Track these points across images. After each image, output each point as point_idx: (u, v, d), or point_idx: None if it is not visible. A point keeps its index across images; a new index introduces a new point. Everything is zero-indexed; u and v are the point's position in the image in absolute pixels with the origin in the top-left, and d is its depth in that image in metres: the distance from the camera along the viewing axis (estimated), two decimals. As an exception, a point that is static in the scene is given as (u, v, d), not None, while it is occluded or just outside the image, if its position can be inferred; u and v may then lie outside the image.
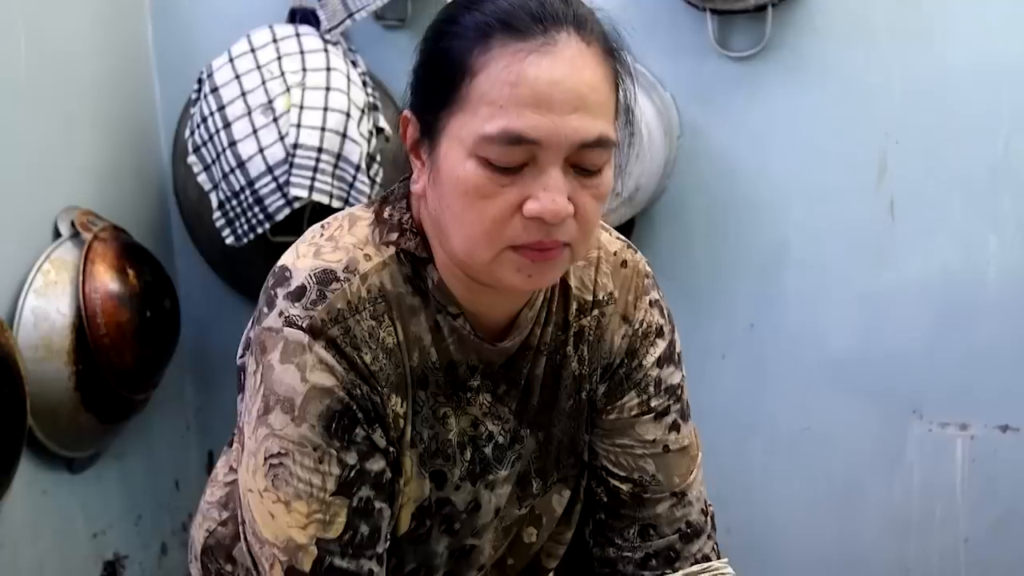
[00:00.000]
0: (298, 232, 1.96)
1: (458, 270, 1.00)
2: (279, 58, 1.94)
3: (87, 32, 2.09)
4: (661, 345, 1.16)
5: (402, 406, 1.01)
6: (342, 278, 0.98)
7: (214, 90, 1.94)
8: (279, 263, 1.03)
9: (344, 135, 1.90)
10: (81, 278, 1.89)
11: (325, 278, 0.98)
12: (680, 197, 2.10)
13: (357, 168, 1.91)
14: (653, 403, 1.16)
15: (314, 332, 0.96)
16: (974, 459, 2.08)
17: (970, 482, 2.09)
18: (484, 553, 1.13)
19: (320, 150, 1.87)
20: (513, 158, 0.90)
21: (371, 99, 2.01)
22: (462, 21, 0.93)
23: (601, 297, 1.13)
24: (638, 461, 1.16)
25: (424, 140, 0.97)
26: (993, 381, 2.04)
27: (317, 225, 1.07)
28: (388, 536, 1.03)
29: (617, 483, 1.16)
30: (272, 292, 1.00)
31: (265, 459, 0.97)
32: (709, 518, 1.21)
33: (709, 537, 1.20)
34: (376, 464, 0.99)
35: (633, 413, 1.15)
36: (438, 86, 0.94)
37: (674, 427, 1.17)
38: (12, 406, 1.72)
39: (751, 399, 2.17)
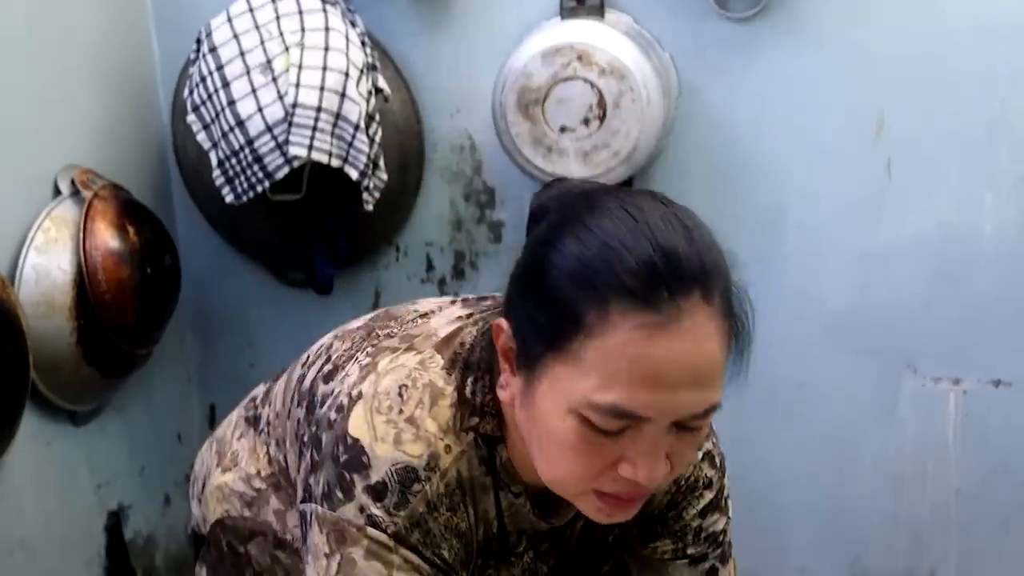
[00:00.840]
0: (296, 189, 2.00)
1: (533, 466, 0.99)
2: (277, 18, 1.92)
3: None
4: (708, 496, 1.18)
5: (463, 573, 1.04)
6: (423, 478, 0.97)
7: (212, 50, 1.93)
8: (351, 432, 0.99)
9: (343, 95, 1.89)
10: (82, 235, 1.90)
11: (407, 478, 0.96)
12: (678, 157, 2.10)
13: (356, 127, 1.91)
14: (689, 551, 1.18)
15: (399, 539, 0.96)
16: (967, 413, 2.10)
17: (962, 436, 2.11)
18: None
19: (319, 109, 1.87)
20: (617, 425, 0.89)
21: (370, 59, 2.00)
22: (572, 256, 0.88)
23: (683, 483, 1.16)
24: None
25: (522, 362, 0.93)
26: (987, 336, 2.05)
27: (394, 384, 1.01)
28: None
29: None
30: (348, 476, 0.97)
31: None
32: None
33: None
34: None
35: (667, 556, 1.18)
36: (547, 326, 0.90)
37: (711, 572, 1.21)
38: (15, 360, 1.73)
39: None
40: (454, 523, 0.99)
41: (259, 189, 1.94)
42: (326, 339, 1.20)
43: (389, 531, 0.95)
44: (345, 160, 1.92)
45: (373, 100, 1.98)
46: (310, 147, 1.88)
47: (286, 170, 1.90)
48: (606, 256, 0.86)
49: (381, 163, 2.02)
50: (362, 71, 1.95)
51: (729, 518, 1.22)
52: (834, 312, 2.12)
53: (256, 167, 1.91)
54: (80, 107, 2.06)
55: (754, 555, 2.20)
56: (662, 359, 0.85)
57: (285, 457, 1.17)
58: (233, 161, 1.93)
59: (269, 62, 1.89)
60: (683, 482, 1.16)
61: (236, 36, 1.92)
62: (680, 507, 1.17)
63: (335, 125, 1.89)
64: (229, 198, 1.98)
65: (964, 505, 2.14)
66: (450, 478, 0.98)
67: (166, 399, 2.39)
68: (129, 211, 2.00)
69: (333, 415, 1.01)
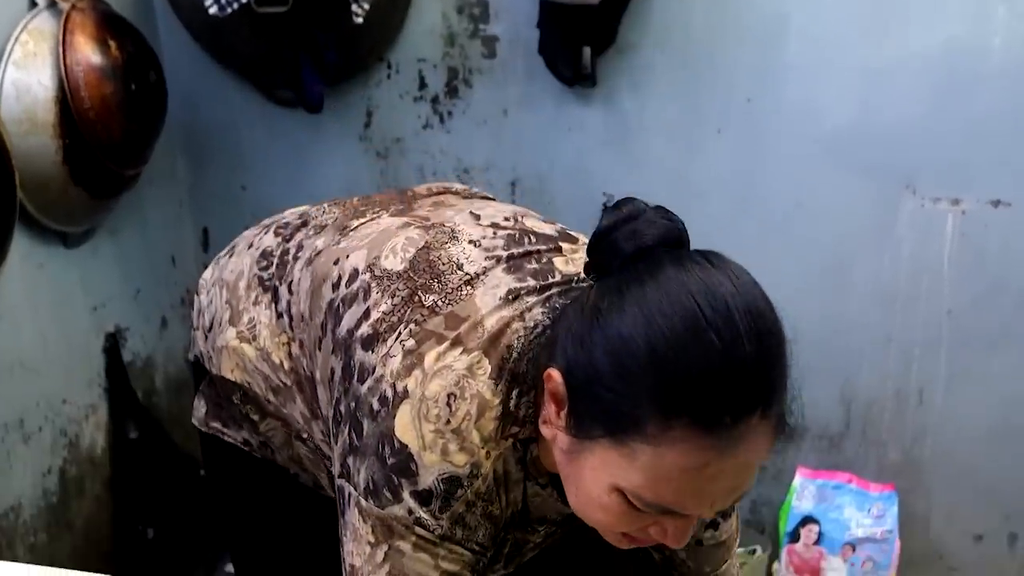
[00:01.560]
0: (283, 0, 1.93)
1: None
2: None
3: None
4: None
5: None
6: (466, 484, 1.01)
7: None
8: (399, 436, 1.01)
9: None
10: (61, 49, 1.84)
11: (452, 486, 1.00)
12: (678, -37, 2.02)
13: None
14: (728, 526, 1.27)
15: (444, 539, 1.01)
16: (964, 233, 2.09)
17: (958, 256, 2.11)
18: None
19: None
20: (656, 512, 0.94)
21: None
22: (644, 355, 0.88)
23: None
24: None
25: (571, 426, 0.95)
26: (989, 155, 2.02)
27: (443, 391, 1.01)
28: None
29: (650, 549, 1.26)
30: (396, 480, 1.00)
31: None
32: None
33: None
34: None
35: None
36: (605, 414, 0.92)
37: (712, 525, 1.25)
38: (1, 178, 1.70)
39: (746, 174, 2.16)
40: (488, 511, 1.04)
41: (244, 0, 1.86)
42: (358, 262, 1.13)
43: (436, 533, 1.01)
44: (331, -32, 1.84)
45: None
46: (294, -45, 1.80)
47: (271, -21, 1.83)
48: (674, 366, 0.88)
49: (370, -28, 1.94)
50: None
51: None
52: (834, 129, 2.08)
53: (239, -25, 1.83)
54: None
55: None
56: (712, 480, 0.90)
57: (310, 371, 1.16)
58: (215, -31, 1.85)
59: None
60: None
61: None
62: None
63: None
64: (213, 10, 1.92)
65: (955, 326, 2.16)
66: (488, 479, 1.02)
67: (159, 222, 2.37)
68: (109, 24, 1.93)
69: (376, 405, 1.02)
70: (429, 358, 1.02)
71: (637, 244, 0.94)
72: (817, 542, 2.13)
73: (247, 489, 1.31)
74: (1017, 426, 2.17)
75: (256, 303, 1.24)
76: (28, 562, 1.66)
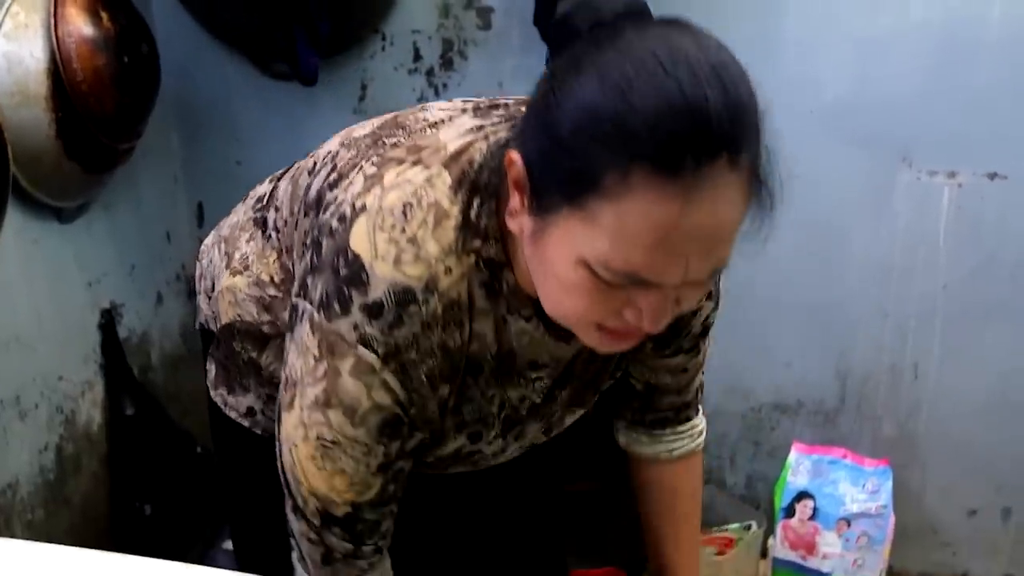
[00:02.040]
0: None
1: None
2: None
3: None
4: (709, 307, 1.23)
5: (445, 389, 1.05)
6: (420, 299, 0.96)
7: None
8: (353, 246, 0.98)
9: None
10: (52, 21, 1.82)
11: (404, 299, 0.96)
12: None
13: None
14: (685, 344, 1.25)
15: (387, 359, 0.97)
16: (960, 206, 2.09)
17: (954, 229, 2.11)
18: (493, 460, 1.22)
19: None
20: (626, 282, 0.88)
21: None
22: (598, 109, 0.83)
23: None
24: (658, 376, 1.29)
25: (533, 204, 0.91)
26: (986, 127, 2.02)
27: (398, 200, 0.99)
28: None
29: (633, 381, 1.30)
30: (346, 291, 0.97)
31: (317, 438, 1.03)
32: (699, 394, 1.36)
33: (696, 406, 1.37)
34: (414, 442, 1.07)
35: (669, 359, 1.27)
36: (562, 178, 0.86)
37: (695, 351, 1.27)
38: (-7, 153, 1.70)
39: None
40: (445, 341, 1.00)
41: (236, -30, 1.85)
42: (332, 145, 1.16)
43: (379, 352, 0.97)
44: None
45: None
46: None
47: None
48: (631, 116, 0.82)
49: (365, -59, 1.93)
50: None
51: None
52: (831, 101, 2.07)
53: (232, -56, 1.82)
54: None
55: (740, 350, 2.24)
56: (678, 229, 0.83)
57: (294, 266, 1.16)
58: (207, -62, 1.84)
59: None
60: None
61: None
62: (687, 320, 1.22)
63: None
64: (206, -20, 1.90)
65: (950, 299, 2.16)
66: (448, 298, 0.98)
67: (153, 197, 2.36)
68: (101, -5, 1.91)
69: (335, 224, 1.00)
70: (388, 176, 1.00)
71: (595, 20, 0.94)
72: (812, 517, 2.14)
73: (249, 464, 1.32)
74: (1013, 401, 2.18)
75: (249, 240, 1.26)
76: (26, 539, 1.66)
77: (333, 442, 1.02)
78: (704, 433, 1.41)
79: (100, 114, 1.89)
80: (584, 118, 0.84)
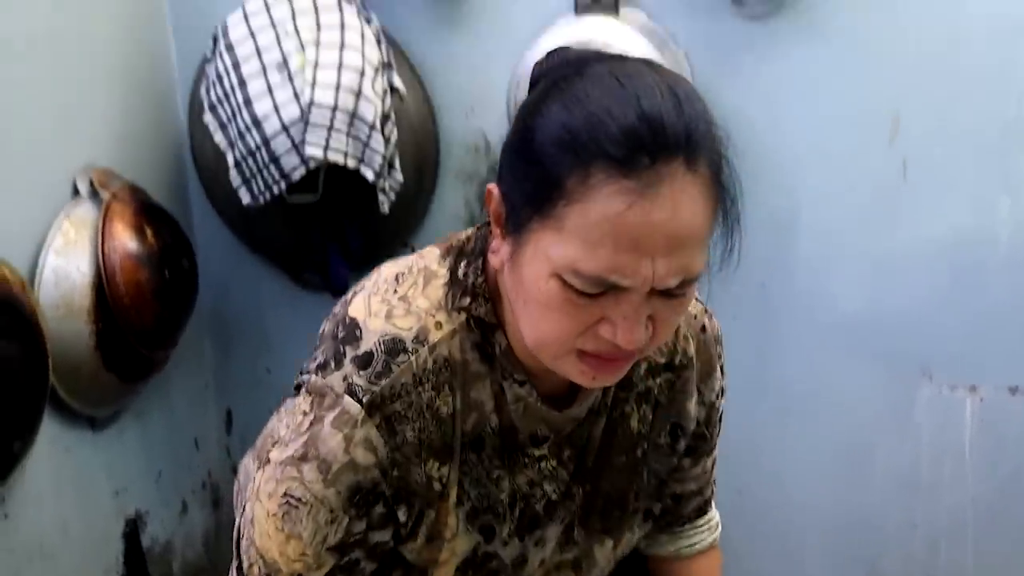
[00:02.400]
0: (312, 189, 2.01)
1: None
2: (293, 15, 1.93)
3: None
4: (722, 401, 1.25)
5: (444, 469, 1.03)
6: (410, 350, 0.99)
7: (229, 48, 1.94)
8: (350, 313, 1.03)
9: (359, 93, 1.90)
10: (100, 237, 1.91)
11: (394, 348, 0.99)
12: (692, 156, 2.10)
13: (371, 127, 1.92)
14: (710, 445, 1.27)
15: (371, 409, 0.97)
16: (983, 420, 2.09)
17: (979, 443, 2.10)
18: None
19: (335, 108, 1.88)
20: (597, 290, 0.90)
21: (385, 57, 2.01)
22: (558, 122, 0.88)
23: (678, 362, 1.16)
24: (686, 486, 1.27)
25: (510, 227, 0.94)
26: (1003, 343, 2.04)
27: (392, 272, 1.05)
28: None
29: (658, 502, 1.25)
30: (340, 347, 1.01)
31: (284, 494, 1.00)
32: (714, 486, 1.33)
33: (712, 501, 1.34)
34: (381, 536, 1.03)
35: (701, 463, 1.27)
36: (532, 191, 0.90)
37: (710, 448, 1.28)
38: (35, 364, 1.75)
39: (761, 360, 2.18)
40: (436, 404, 1.00)
41: (275, 190, 1.95)
42: None
43: (364, 400, 0.97)
44: (361, 160, 1.93)
45: (388, 99, 1.99)
46: (326, 147, 1.89)
47: (302, 171, 1.91)
48: (589, 122, 0.86)
49: (397, 164, 2.03)
50: (377, 69, 1.96)
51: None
52: (848, 316, 2.11)
53: (272, 168, 1.92)
54: (98, 107, 2.07)
55: (769, 562, 2.20)
56: (640, 225, 0.86)
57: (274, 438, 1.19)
58: (250, 161, 1.94)
59: (285, 60, 1.90)
60: (711, 397, 1.21)
61: (252, 33, 1.93)
62: (711, 421, 1.22)
63: (351, 124, 1.90)
64: (246, 199, 1.99)
65: (981, 513, 2.13)
66: (438, 355, 1.00)
67: (184, 404, 2.39)
68: (147, 213, 2.01)
69: (338, 308, 1.06)
70: (386, 265, 1.08)
71: (557, 58, 0.96)
72: None
73: None
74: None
75: None
76: None
77: (300, 500, 0.99)
78: (720, 526, 1.37)
79: (139, 326, 1.95)
80: (549, 132, 0.88)
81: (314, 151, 1.88)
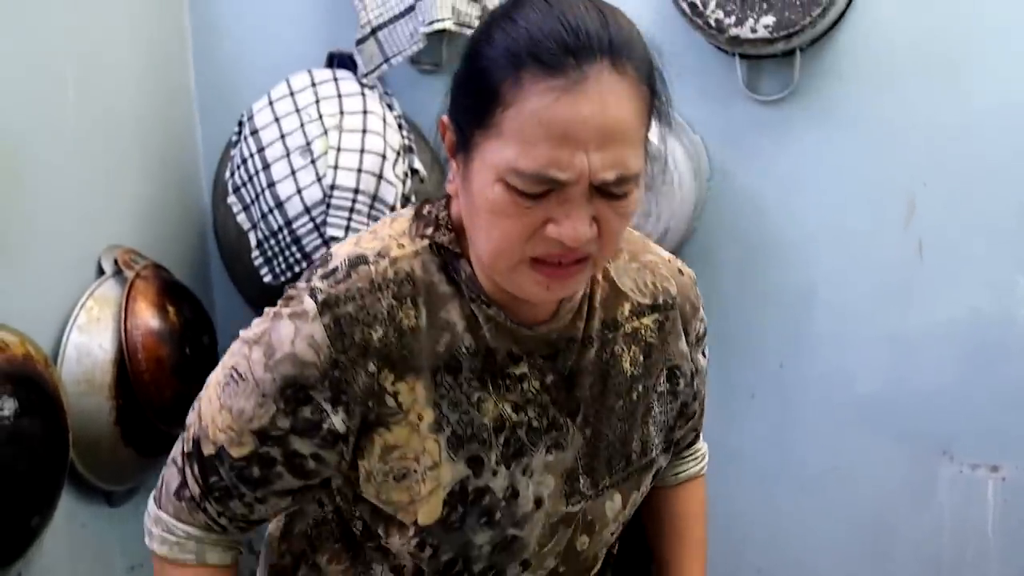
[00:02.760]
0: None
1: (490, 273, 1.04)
2: (317, 101, 1.98)
3: (133, 75, 2.16)
4: (706, 346, 1.27)
5: (404, 386, 1.03)
6: (371, 261, 1.04)
7: (254, 132, 1.99)
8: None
9: (380, 176, 1.94)
10: (123, 315, 1.94)
11: (356, 261, 1.04)
12: (709, 239, 2.13)
13: (392, 209, 1.95)
14: (701, 392, 1.28)
15: (323, 308, 1.01)
16: (1006, 500, 2.07)
17: (1002, 523, 2.07)
18: (528, 547, 1.11)
19: (356, 191, 1.91)
20: (539, 189, 0.93)
21: (406, 141, 2.05)
22: (496, 42, 0.95)
23: (663, 301, 1.18)
24: (686, 437, 1.32)
25: (460, 148, 1.00)
26: (1023, 422, 2.03)
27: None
28: (265, 514, 1.10)
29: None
30: (313, 269, 1.07)
31: (232, 367, 1.06)
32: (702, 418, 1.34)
33: (699, 432, 1.36)
34: (301, 446, 1.03)
35: (696, 416, 1.29)
36: (473, 105, 0.96)
37: (699, 392, 1.29)
38: (55, 440, 1.76)
39: (780, 439, 2.18)
40: (397, 315, 1.02)
41: (297, 270, 1.97)
42: None
43: (319, 299, 1.01)
44: (382, 242, 1.95)
45: (409, 181, 2.03)
46: (347, 228, 1.92)
47: (324, 251, 1.93)
48: (520, 35, 0.93)
49: (417, 245, 2.05)
50: (399, 153, 1.99)
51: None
52: (866, 395, 2.11)
53: (294, 248, 1.95)
54: (124, 188, 2.12)
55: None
56: (570, 119, 0.90)
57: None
58: (272, 242, 1.97)
59: (308, 144, 1.94)
60: (694, 338, 1.22)
61: (277, 119, 1.98)
62: (700, 365, 1.24)
63: (371, 207, 1.93)
64: (267, 279, 2.02)
65: (1006, 595, 2.10)
66: (400, 268, 1.04)
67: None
68: (169, 291, 2.04)
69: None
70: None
71: None
72: None
73: None
74: None
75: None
76: None
77: (241, 376, 1.03)
78: (707, 457, 1.37)
79: (159, 402, 1.97)
80: (486, 52, 0.96)
81: (335, 231, 1.91)
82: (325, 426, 1.02)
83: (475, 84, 0.96)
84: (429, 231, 1.06)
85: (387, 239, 1.06)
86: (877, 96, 1.99)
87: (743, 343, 2.16)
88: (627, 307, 1.14)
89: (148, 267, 2.04)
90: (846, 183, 2.04)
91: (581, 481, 1.13)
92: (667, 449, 1.21)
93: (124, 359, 1.93)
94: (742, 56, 1.99)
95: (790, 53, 1.97)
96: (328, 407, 1.01)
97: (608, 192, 0.94)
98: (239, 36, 2.31)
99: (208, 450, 1.06)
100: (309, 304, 1.01)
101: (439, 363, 1.04)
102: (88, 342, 1.92)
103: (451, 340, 1.04)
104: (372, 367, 1.01)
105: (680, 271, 1.22)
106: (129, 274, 1.99)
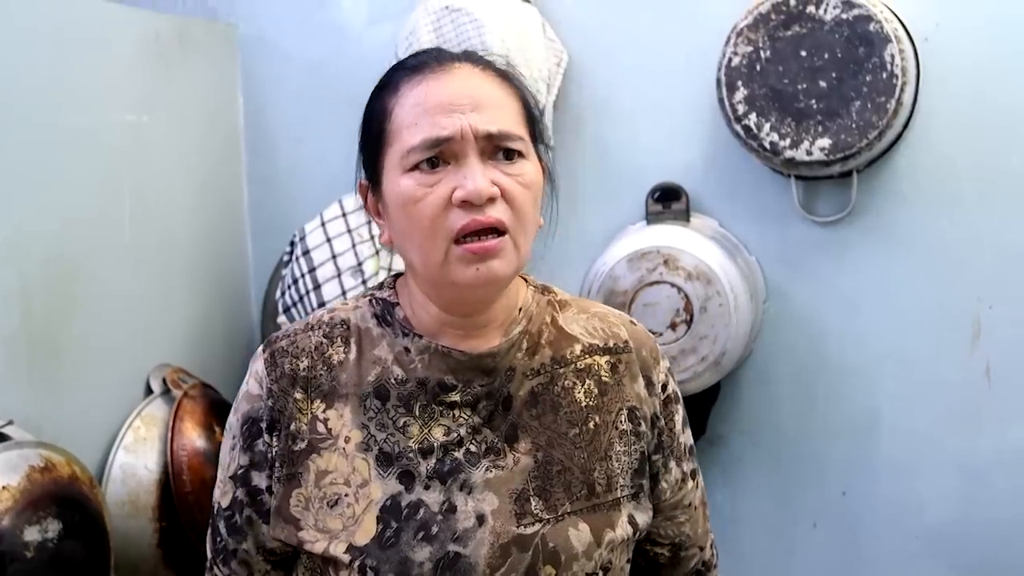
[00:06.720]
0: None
1: (430, 306, 1.12)
2: (369, 222, 1.99)
3: (187, 195, 2.19)
4: (681, 411, 1.27)
5: (332, 413, 1.11)
6: (317, 314, 1.17)
7: (306, 253, 2.00)
8: None
9: (431, 296, 1.93)
10: (170, 435, 1.92)
11: (304, 321, 1.17)
12: (767, 361, 2.08)
13: (442, 330, 1.93)
14: (685, 467, 1.26)
15: (266, 345, 1.14)
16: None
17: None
18: (477, 569, 1.09)
19: (407, 311, 1.91)
20: (430, 153, 1.05)
21: (458, 260, 2.05)
22: (380, 88, 1.12)
23: (613, 344, 1.21)
24: (681, 528, 1.27)
25: (376, 191, 1.11)
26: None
27: None
28: (262, 544, 1.13)
29: (660, 550, 1.27)
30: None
31: (226, 428, 1.17)
32: (715, 550, 1.33)
33: (715, 567, 1.35)
34: (259, 479, 1.11)
35: (678, 485, 1.25)
36: (372, 138, 1.10)
37: (696, 480, 1.30)
38: (97, 565, 1.72)
39: (844, 570, 2.09)
40: (326, 351, 1.13)
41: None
42: None
43: (263, 344, 1.14)
44: (431, 362, 1.94)
45: (461, 303, 2.01)
46: (397, 349, 1.90)
47: (373, 371, 1.92)
48: (396, 69, 1.12)
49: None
50: (451, 272, 1.99)
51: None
52: (934, 525, 2.02)
53: (344, 369, 1.93)
54: (175, 307, 2.13)
55: None
56: (441, 95, 1.06)
57: None
58: (321, 363, 1.96)
59: (360, 265, 1.94)
60: (660, 389, 1.22)
61: (329, 240, 1.99)
62: (670, 422, 1.24)
63: (423, 327, 1.92)
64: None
65: None
66: (336, 315, 1.16)
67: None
68: (216, 411, 2.02)
69: None
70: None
71: None
72: None
73: None
74: None
75: None
76: None
77: (227, 430, 1.15)
78: None
79: (202, 524, 1.91)
80: (371, 100, 1.12)
81: (385, 352, 1.90)
82: (270, 455, 1.10)
83: (369, 121, 1.11)
84: (373, 291, 1.18)
85: (336, 305, 1.19)
86: (937, 216, 1.96)
87: (803, 469, 2.09)
88: (577, 347, 1.19)
89: (196, 386, 2.03)
90: (908, 305, 1.99)
91: (533, 503, 1.13)
92: (637, 496, 1.19)
93: (169, 480, 1.90)
94: (798, 177, 1.98)
95: (847, 174, 1.95)
96: (267, 435, 1.10)
97: (497, 150, 1.06)
98: (293, 157, 2.35)
99: (214, 511, 1.15)
100: (257, 351, 1.14)
101: (368, 390, 1.12)
102: (134, 462, 1.90)
103: (381, 372, 1.13)
104: (299, 394, 1.11)
105: (632, 322, 1.26)
106: (177, 393, 1.98)
